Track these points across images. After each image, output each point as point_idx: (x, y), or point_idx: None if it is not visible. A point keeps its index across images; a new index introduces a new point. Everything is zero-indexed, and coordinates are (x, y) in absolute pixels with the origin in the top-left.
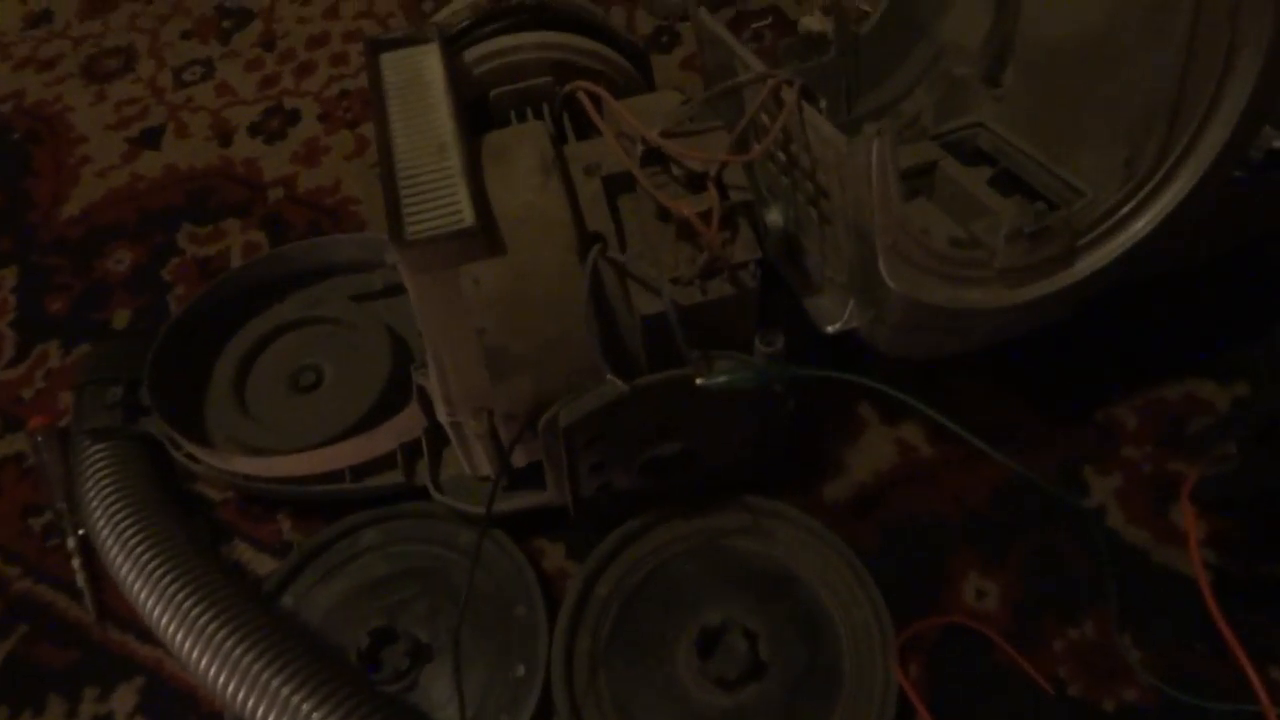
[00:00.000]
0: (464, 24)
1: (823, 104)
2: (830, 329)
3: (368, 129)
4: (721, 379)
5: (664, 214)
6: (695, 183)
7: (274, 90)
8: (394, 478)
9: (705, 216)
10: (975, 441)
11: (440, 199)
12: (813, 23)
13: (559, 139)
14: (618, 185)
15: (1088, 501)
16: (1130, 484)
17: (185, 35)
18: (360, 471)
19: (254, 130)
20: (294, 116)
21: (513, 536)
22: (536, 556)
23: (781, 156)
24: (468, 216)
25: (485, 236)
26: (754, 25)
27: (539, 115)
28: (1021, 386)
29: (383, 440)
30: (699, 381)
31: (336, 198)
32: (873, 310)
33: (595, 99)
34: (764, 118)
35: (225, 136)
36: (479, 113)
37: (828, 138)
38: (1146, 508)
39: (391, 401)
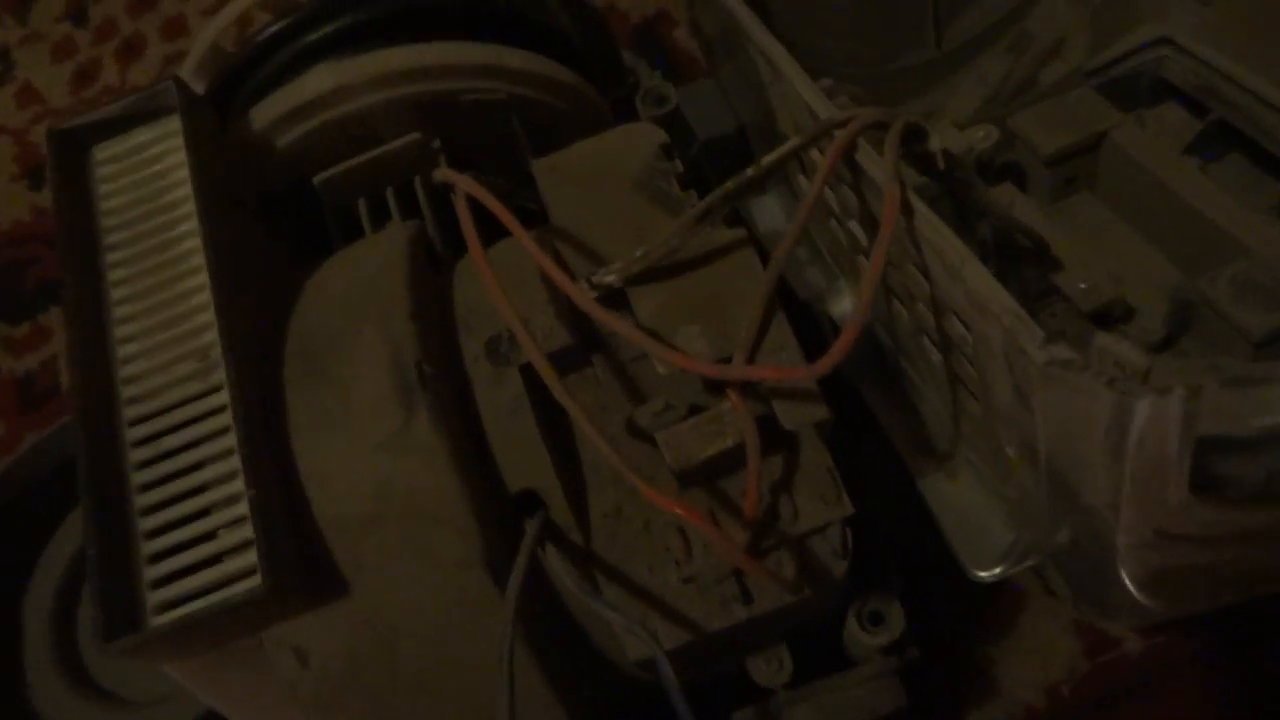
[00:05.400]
0: (247, 51)
1: (936, 146)
2: (983, 575)
3: None
4: None
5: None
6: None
7: (94, 88)
8: None
9: (729, 459)
10: None
11: (203, 502)
12: None
13: (440, 253)
14: (561, 361)
15: None
16: None
17: None
18: None
19: None
20: None
21: None
22: None
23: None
24: (255, 561)
25: (298, 578)
26: None
27: (410, 206)
28: None
29: None
30: None
31: None
32: (1065, 536)
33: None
34: (822, 162)
35: (35, 172)
36: (304, 212)
37: (985, 302)
38: None
39: None
